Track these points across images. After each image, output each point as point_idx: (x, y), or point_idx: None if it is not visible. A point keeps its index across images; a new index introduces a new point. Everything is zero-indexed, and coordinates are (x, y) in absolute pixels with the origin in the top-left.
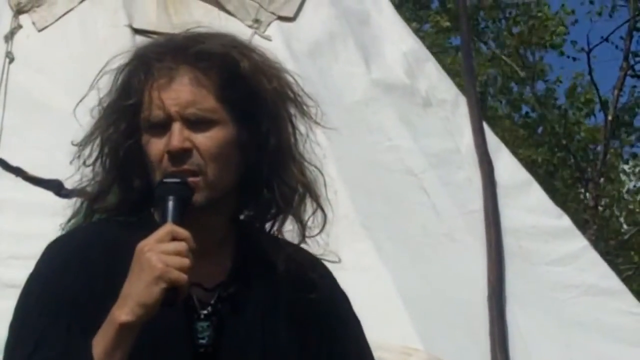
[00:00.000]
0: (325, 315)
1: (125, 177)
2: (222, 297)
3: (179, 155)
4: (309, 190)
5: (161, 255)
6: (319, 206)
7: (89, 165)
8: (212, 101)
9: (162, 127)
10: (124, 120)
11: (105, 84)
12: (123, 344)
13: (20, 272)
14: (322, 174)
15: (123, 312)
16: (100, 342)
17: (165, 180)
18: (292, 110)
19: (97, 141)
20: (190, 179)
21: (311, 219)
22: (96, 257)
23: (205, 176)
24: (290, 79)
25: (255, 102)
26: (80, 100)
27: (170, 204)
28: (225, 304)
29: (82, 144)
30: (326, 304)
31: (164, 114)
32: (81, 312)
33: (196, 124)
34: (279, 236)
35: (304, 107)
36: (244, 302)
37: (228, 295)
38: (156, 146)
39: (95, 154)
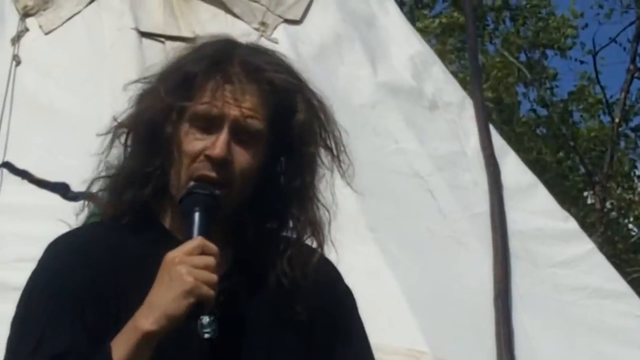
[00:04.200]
0: (328, 309)
1: (149, 173)
2: (224, 289)
3: (217, 164)
4: (317, 230)
5: (192, 269)
6: (320, 247)
7: (128, 146)
8: (264, 124)
9: (210, 125)
10: (175, 110)
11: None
12: (144, 352)
13: (27, 275)
14: (330, 218)
15: (148, 321)
16: (120, 348)
17: (195, 190)
18: (327, 161)
19: (142, 121)
20: (217, 192)
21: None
22: (99, 256)
23: (230, 191)
24: (337, 133)
25: (297, 143)
26: (135, 81)
27: (198, 215)
28: (227, 296)
29: (124, 124)
30: (330, 298)
31: (220, 112)
32: (83, 309)
33: (244, 137)
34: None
35: (341, 165)
36: (246, 294)
37: (230, 286)
38: (195, 143)
39: (135, 134)
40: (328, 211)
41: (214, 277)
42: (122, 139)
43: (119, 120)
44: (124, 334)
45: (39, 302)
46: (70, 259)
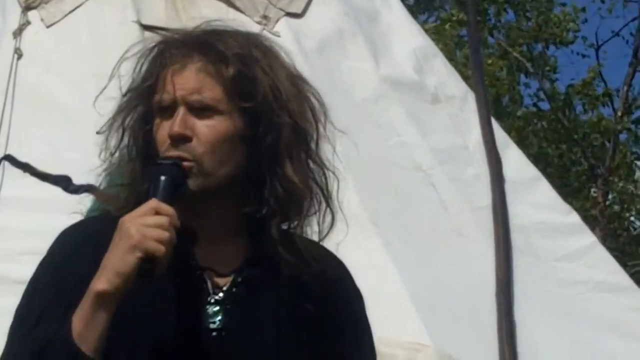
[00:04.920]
0: (338, 310)
1: (142, 173)
2: (236, 282)
3: (177, 141)
4: (313, 192)
5: (140, 226)
6: (328, 206)
7: (113, 154)
8: (218, 91)
9: (170, 110)
10: (141, 104)
11: (126, 71)
12: (100, 314)
13: (29, 268)
14: (337, 178)
15: (100, 281)
16: (78, 314)
17: (159, 161)
18: (302, 113)
19: (119, 128)
20: (185, 163)
21: (319, 222)
22: (107, 246)
23: (200, 164)
24: (299, 80)
25: (260, 99)
26: (101, 92)
27: (161, 183)
28: (238, 289)
29: (105, 131)
30: (339, 300)
31: (171, 97)
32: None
33: (200, 111)
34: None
35: (313, 110)
36: (257, 288)
37: (242, 280)
38: (162, 130)
39: (117, 141)
40: (333, 173)
41: (164, 233)
42: (114, 146)
43: (101, 130)
44: (82, 300)
45: (43, 288)
46: (79, 248)
